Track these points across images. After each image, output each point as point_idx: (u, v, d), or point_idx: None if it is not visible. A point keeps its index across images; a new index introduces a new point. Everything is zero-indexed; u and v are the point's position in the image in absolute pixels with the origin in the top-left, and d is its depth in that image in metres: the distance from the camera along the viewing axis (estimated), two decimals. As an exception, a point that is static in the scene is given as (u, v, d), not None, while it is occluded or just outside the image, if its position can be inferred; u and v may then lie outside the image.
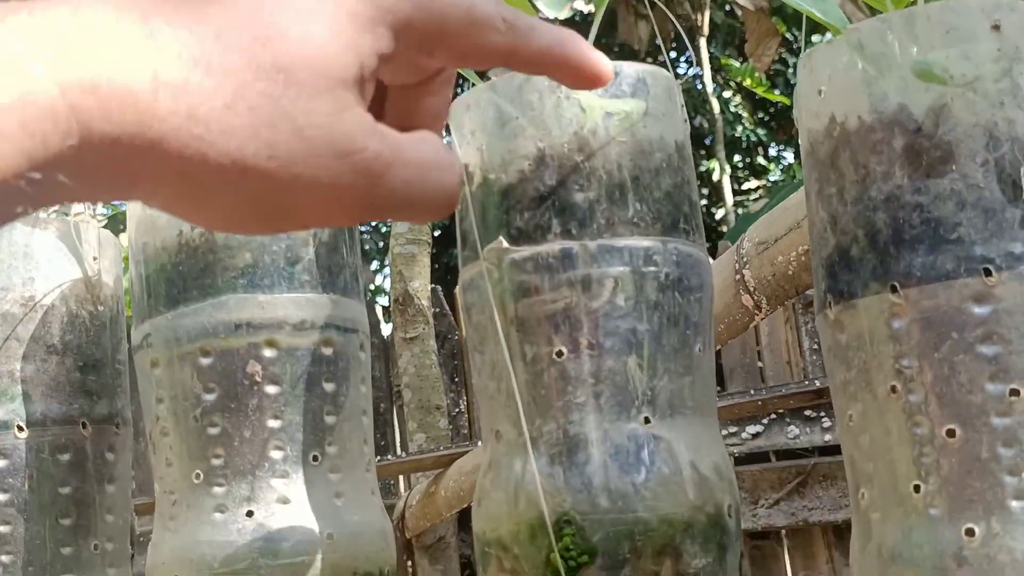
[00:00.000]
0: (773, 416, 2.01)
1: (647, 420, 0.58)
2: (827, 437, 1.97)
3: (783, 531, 2.13)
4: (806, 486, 2.03)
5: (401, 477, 2.49)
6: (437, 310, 2.34)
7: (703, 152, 5.34)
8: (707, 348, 0.61)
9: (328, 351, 0.70)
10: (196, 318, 0.65)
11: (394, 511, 2.19)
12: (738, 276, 1.13)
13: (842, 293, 0.55)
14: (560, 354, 0.58)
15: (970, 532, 0.49)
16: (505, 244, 0.60)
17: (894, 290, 0.52)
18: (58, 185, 0.31)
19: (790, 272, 1.07)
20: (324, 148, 0.34)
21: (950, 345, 0.51)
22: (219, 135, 0.33)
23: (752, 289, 1.13)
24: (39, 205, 0.32)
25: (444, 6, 0.39)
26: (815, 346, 2.07)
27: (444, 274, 5.30)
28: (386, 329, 2.96)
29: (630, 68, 0.61)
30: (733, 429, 1.98)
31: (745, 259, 1.13)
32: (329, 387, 0.69)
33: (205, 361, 0.67)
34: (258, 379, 0.67)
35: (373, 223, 6.01)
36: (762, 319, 1.14)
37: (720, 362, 2.21)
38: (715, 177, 4.99)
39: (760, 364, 2.27)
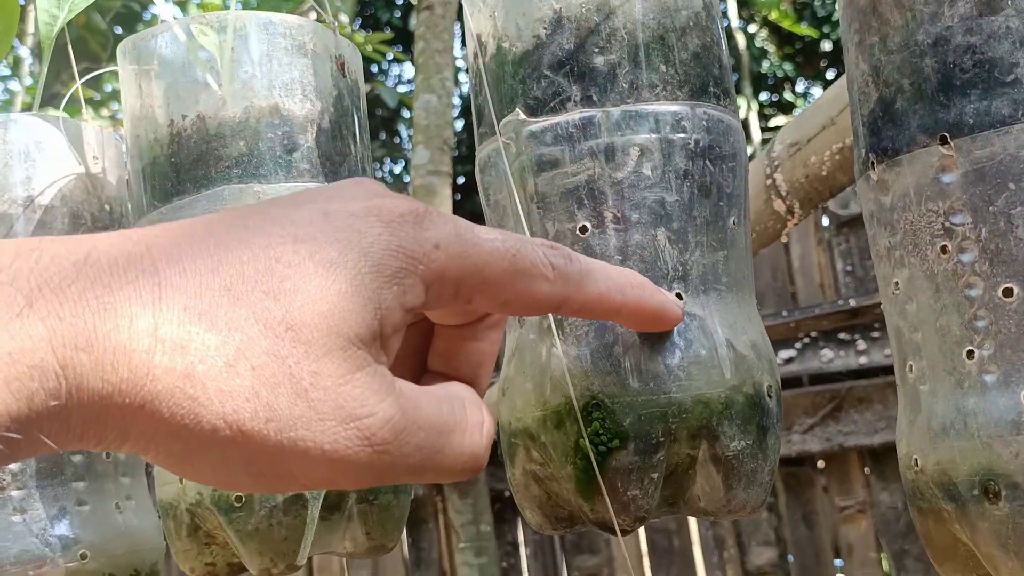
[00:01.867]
0: (806, 340, 1.97)
1: (679, 297, 0.54)
2: (862, 360, 1.93)
3: (818, 457, 2.10)
4: (841, 410, 1.99)
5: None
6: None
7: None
8: (742, 222, 0.57)
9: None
10: (191, 211, 0.61)
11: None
12: (769, 181, 1.08)
13: (886, 150, 0.51)
14: (584, 230, 0.54)
15: (1030, 396, 0.46)
16: (522, 116, 0.56)
17: (944, 141, 0.48)
18: (37, 442, 0.29)
19: (824, 173, 1.02)
20: (329, 412, 0.32)
21: (1007, 197, 0.47)
22: (215, 395, 0.30)
23: (784, 193, 1.08)
24: (15, 460, 0.30)
25: (484, 254, 0.36)
26: (849, 268, 2.02)
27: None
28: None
29: (652, -79, 0.57)
30: (765, 354, 1.94)
31: (776, 162, 1.08)
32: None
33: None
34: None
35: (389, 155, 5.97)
36: (795, 225, 1.10)
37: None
38: (742, 114, 4.91)
39: (792, 288, 2.23)
